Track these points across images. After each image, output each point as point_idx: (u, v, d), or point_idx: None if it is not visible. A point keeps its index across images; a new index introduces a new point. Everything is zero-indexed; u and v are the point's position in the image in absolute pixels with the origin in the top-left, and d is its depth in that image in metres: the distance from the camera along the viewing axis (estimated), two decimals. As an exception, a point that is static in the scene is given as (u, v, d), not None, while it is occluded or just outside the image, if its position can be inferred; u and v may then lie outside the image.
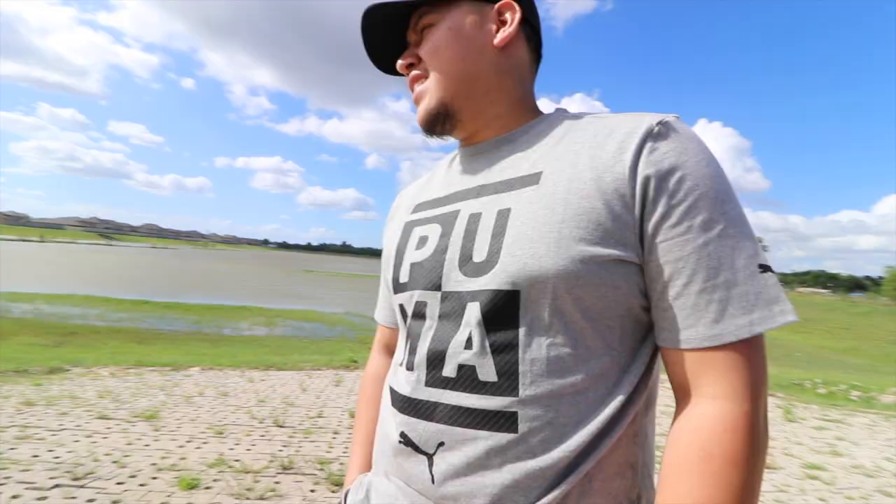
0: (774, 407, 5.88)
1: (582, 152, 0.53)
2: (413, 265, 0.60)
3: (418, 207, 0.68)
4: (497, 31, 0.61)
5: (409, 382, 0.56)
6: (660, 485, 0.48)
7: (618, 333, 0.51)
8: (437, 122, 0.62)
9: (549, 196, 0.51)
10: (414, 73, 0.63)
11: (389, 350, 0.81)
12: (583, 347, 0.49)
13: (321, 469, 2.83)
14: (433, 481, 0.51)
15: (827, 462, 3.70)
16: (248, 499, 2.36)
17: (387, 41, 0.66)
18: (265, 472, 2.72)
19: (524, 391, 0.48)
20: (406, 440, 0.55)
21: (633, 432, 0.51)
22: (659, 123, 0.51)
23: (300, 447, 3.20)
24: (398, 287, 0.62)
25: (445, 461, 0.51)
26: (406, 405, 0.56)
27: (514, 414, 0.48)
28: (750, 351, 0.46)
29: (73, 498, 2.22)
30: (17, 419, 3.36)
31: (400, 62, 0.65)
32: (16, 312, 12.60)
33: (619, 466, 0.50)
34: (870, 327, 27.01)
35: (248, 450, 3.09)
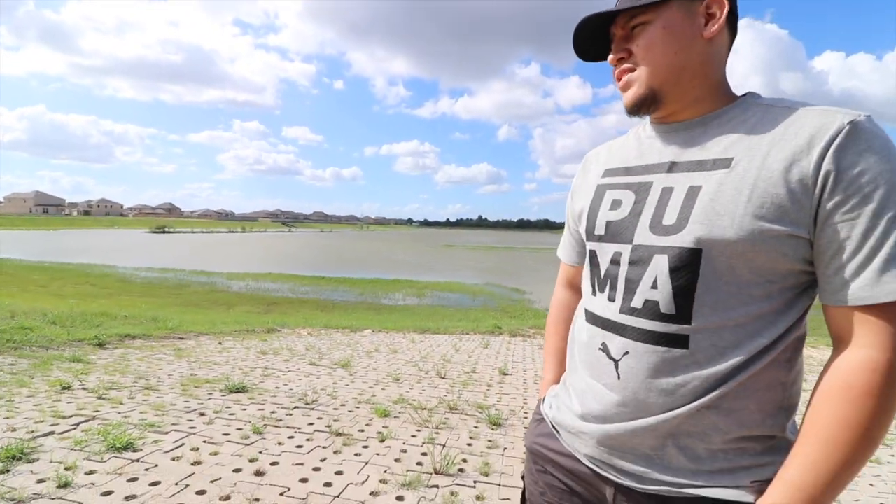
0: None
1: (774, 145, 0.62)
2: (609, 223, 0.75)
3: (609, 172, 0.81)
4: (706, 23, 0.68)
5: (607, 308, 0.73)
6: (808, 406, 0.61)
7: (778, 286, 0.63)
8: (644, 106, 0.72)
9: (739, 179, 0.63)
10: (625, 66, 0.73)
11: (571, 285, 1.00)
12: (746, 295, 0.63)
13: (481, 412, 3.29)
14: (618, 378, 0.70)
15: None
16: (427, 427, 2.93)
17: (592, 33, 0.77)
18: (436, 410, 3.29)
19: (695, 322, 0.64)
20: (603, 348, 0.73)
21: (784, 359, 0.65)
22: (850, 123, 0.59)
23: (461, 395, 3.73)
24: (593, 237, 0.78)
25: (628, 365, 0.69)
26: (605, 324, 0.73)
27: (687, 337, 0.65)
28: (880, 313, 0.57)
29: (308, 415, 3.03)
30: (259, 363, 4.57)
31: (612, 56, 0.75)
32: (235, 288, 16.22)
33: (770, 381, 0.64)
34: None
35: (421, 393, 3.72)
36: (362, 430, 2.82)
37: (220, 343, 5.58)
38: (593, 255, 0.79)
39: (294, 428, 2.79)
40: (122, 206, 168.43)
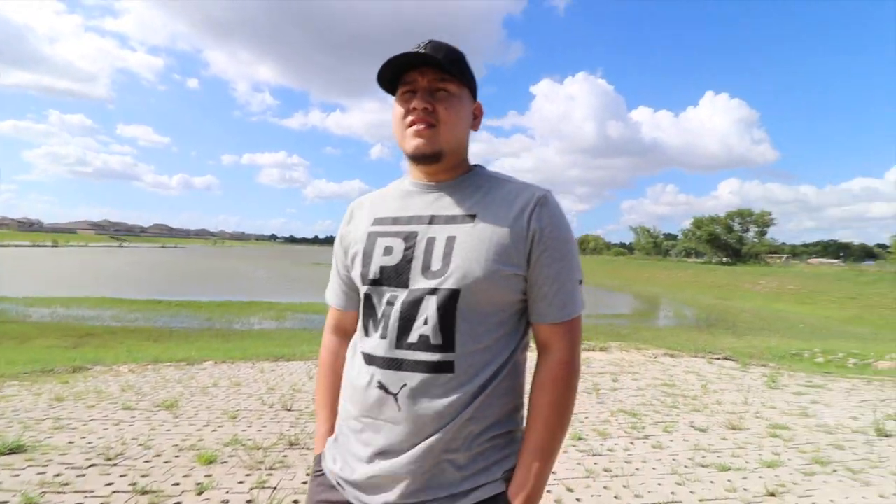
0: (760, 376, 6.15)
1: (502, 206, 0.84)
2: (383, 268, 0.84)
3: (378, 221, 0.90)
4: (475, 118, 0.93)
5: (380, 346, 0.81)
6: (530, 399, 0.85)
7: (508, 314, 0.84)
8: (428, 160, 0.85)
9: (480, 231, 0.82)
10: (427, 118, 0.83)
11: (339, 329, 1.01)
12: (489, 323, 0.81)
13: (324, 444, 3.16)
14: (399, 409, 0.78)
15: (793, 423, 3.98)
16: (259, 469, 2.70)
17: (399, 68, 0.84)
18: (274, 448, 3.05)
19: (458, 349, 0.78)
20: (381, 385, 0.80)
21: (516, 369, 0.85)
22: (540, 195, 0.85)
23: (305, 427, 3.53)
24: (367, 281, 0.85)
25: (407, 396, 0.78)
26: (382, 362, 0.81)
27: (452, 362, 0.78)
28: (573, 325, 0.85)
29: (108, 474, 2.56)
30: (50, 413, 3.72)
31: (419, 102, 0.82)
32: (35, 317, 13.12)
33: (507, 388, 0.83)
34: (875, 295, 26.91)
35: (260, 431, 3.43)
36: (177, 484, 2.48)
37: (-5, 391, 4.42)
38: (368, 298, 0.87)
39: (85, 492, 2.33)
40: None
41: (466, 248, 0.80)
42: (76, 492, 2.32)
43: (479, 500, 0.78)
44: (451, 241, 0.81)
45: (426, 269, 0.81)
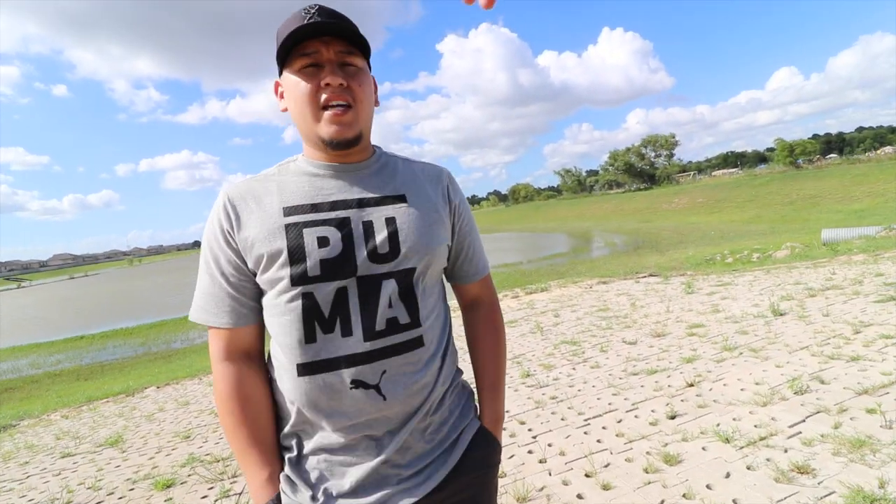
0: (679, 285, 6.82)
1: (425, 184, 0.89)
2: (322, 261, 0.75)
3: (293, 210, 0.78)
4: (375, 93, 0.86)
5: (345, 344, 0.75)
6: (475, 345, 0.99)
7: (440, 282, 0.92)
8: (349, 145, 0.79)
9: (416, 210, 0.84)
10: (344, 95, 0.77)
11: (236, 353, 0.81)
12: (435, 292, 0.87)
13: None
14: (385, 398, 0.76)
15: (706, 320, 4.52)
16: (221, 480, 2.68)
17: (295, 38, 0.75)
18: (233, 458, 3.02)
19: (424, 324, 0.82)
20: (357, 383, 0.75)
21: (450, 328, 0.92)
22: (448, 172, 0.95)
23: (265, 428, 3.50)
24: (307, 280, 0.74)
25: (388, 381, 0.76)
26: (350, 360, 0.75)
27: (421, 336, 0.81)
28: (490, 276, 1.02)
29: (58, 526, 2.42)
30: (-24, 481, 3.40)
31: (334, 78, 0.75)
32: (-66, 384, 11.58)
33: (452, 345, 0.91)
34: (769, 195, 30.30)
35: (216, 444, 3.36)
36: (137, 515, 2.41)
37: None
38: (308, 297, 0.75)
39: (35, 550, 2.20)
40: None
41: (410, 227, 0.81)
42: (25, 552, 2.19)
43: (467, 441, 0.87)
44: (391, 221, 0.80)
45: (373, 254, 0.78)
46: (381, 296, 0.77)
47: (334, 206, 0.80)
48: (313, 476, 0.78)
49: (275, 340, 0.79)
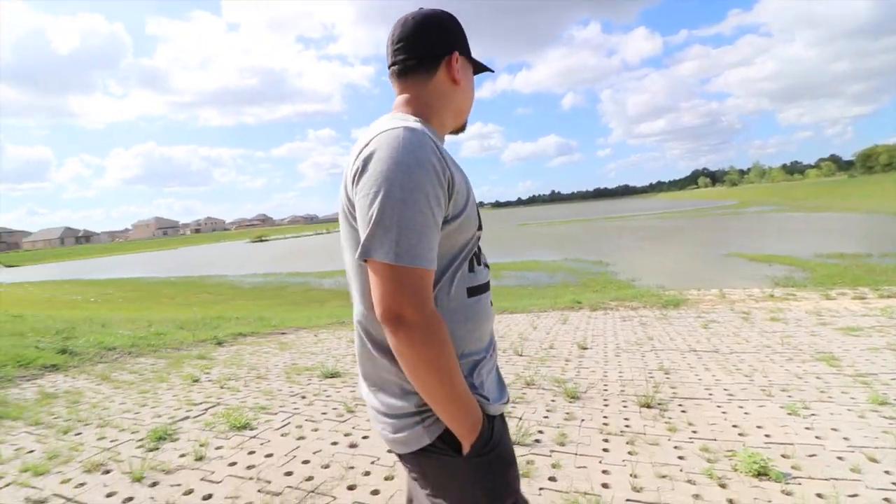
0: None
1: None
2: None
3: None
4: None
5: (487, 273, 0.96)
6: None
7: None
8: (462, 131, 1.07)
9: None
10: None
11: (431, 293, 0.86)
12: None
13: (558, 386, 3.33)
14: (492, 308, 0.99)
15: None
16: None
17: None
18: (513, 386, 3.38)
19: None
20: (491, 303, 0.98)
21: None
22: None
23: (538, 370, 3.77)
24: (481, 226, 0.94)
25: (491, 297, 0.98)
26: (488, 286, 0.96)
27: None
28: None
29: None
30: (350, 350, 4.94)
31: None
32: (326, 286, 17.44)
33: None
34: None
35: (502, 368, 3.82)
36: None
37: (315, 336, 6.13)
38: (479, 238, 0.95)
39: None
40: (224, 222, 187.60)
41: None
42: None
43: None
44: None
45: None
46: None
47: None
48: (494, 386, 0.94)
49: (445, 273, 0.87)
